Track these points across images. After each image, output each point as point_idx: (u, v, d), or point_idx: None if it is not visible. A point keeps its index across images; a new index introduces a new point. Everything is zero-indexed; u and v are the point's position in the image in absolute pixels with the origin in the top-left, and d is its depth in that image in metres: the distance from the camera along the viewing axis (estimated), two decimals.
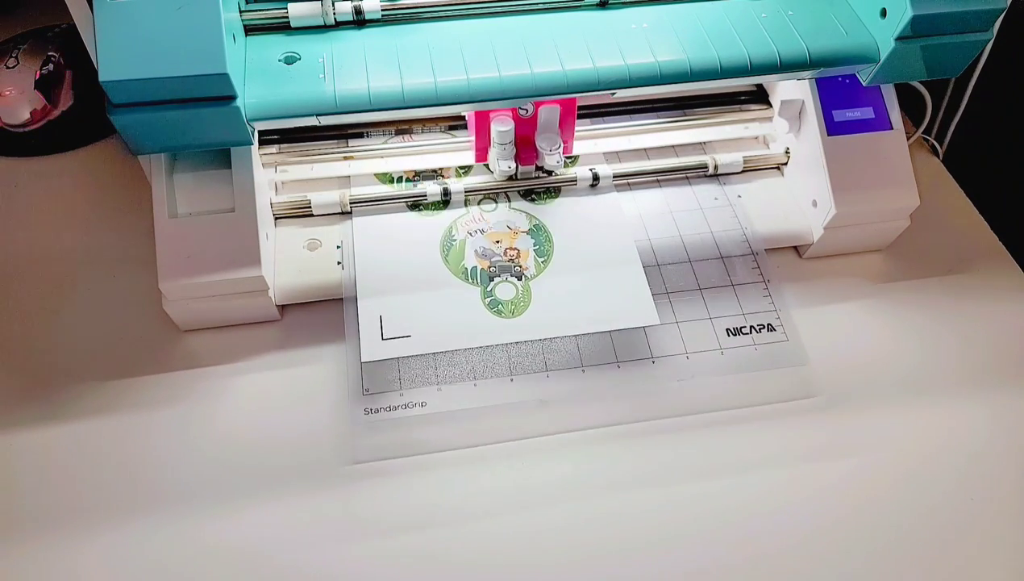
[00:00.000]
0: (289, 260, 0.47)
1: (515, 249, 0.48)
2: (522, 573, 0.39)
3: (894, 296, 0.51)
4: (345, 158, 0.50)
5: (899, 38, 0.41)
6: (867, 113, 0.49)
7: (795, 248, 0.52)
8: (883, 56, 0.42)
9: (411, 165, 0.51)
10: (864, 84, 0.45)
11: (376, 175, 0.51)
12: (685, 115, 0.54)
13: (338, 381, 0.45)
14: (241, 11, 0.41)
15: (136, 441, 0.43)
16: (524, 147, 0.49)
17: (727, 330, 0.47)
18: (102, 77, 0.35)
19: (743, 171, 0.53)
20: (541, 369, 0.45)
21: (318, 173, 0.50)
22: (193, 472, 0.42)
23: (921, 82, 0.54)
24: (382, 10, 0.43)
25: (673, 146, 0.55)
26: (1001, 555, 0.41)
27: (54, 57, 0.57)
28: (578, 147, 0.52)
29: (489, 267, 0.47)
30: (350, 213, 0.49)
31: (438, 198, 0.50)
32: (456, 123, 0.52)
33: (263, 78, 0.40)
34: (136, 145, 0.39)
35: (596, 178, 0.51)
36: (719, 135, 0.54)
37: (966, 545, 0.41)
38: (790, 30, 0.43)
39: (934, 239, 0.53)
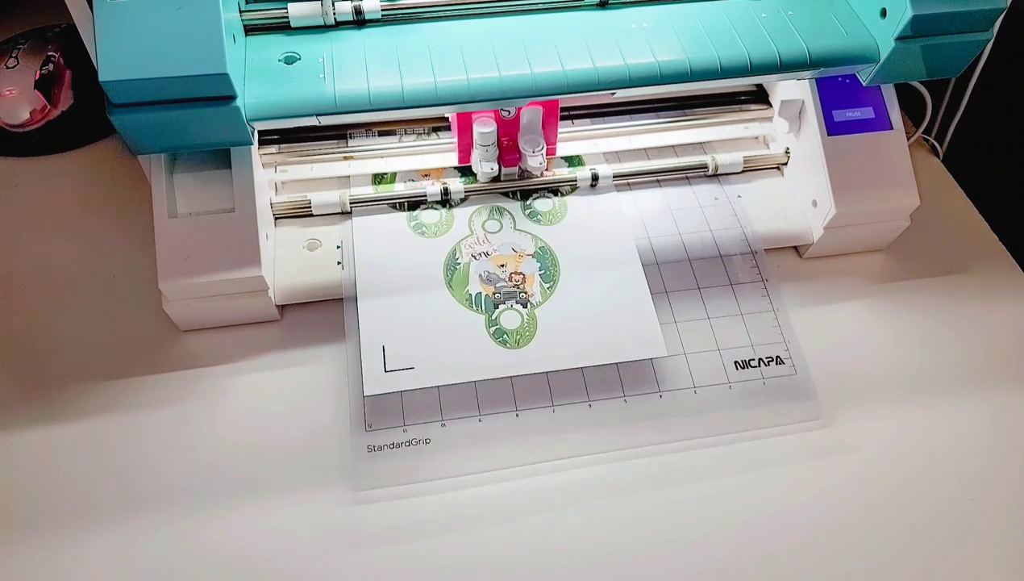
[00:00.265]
0: (289, 260, 0.47)
1: (520, 273, 0.47)
2: (527, 573, 0.39)
3: (894, 296, 0.51)
4: (345, 158, 0.50)
5: (899, 38, 0.41)
6: (867, 113, 0.49)
7: (795, 248, 0.52)
8: (883, 56, 0.42)
9: (407, 165, 0.51)
10: (864, 84, 0.45)
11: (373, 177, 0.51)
12: (685, 115, 0.54)
13: (338, 381, 0.45)
14: (241, 11, 0.41)
15: (135, 441, 0.43)
16: (507, 148, 0.49)
17: (735, 363, 0.46)
18: (102, 77, 0.35)
19: (743, 171, 0.53)
20: (547, 403, 0.43)
21: (318, 173, 0.50)
22: (192, 472, 0.42)
23: (921, 82, 0.54)
24: (382, 10, 0.43)
25: (673, 146, 0.55)
26: (1001, 555, 0.41)
27: (54, 57, 0.57)
28: (578, 147, 0.52)
29: (494, 293, 0.46)
30: (350, 213, 0.49)
31: (438, 198, 0.50)
32: (440, 124, 0.52)
33: (263, 78, 0.40)
34: (136, 145, 0.39)
35: (596, 178, 0.51)
36: (719, 135, 0.54)
37: (966, 545, 0.41)
38: (790, 30, 0.43)
39: (934, 239, 0.53)
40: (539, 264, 0.47)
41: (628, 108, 0.54)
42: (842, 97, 0.49)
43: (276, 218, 0.49)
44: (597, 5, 0.45)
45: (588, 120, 0.53)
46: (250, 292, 0.44)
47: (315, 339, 0.47)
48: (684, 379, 0.45)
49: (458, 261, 0.47)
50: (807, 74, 0.44)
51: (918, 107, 0.56)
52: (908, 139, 0.49)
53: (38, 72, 0.56)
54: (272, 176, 0.49)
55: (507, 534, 0.40)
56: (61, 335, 0.47)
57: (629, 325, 0.45)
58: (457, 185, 0.50)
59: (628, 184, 0.52)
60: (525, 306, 0.45)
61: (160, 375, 0.45)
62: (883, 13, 0.42)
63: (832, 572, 0.40)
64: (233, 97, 0.37)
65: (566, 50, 0.42)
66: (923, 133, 0.58)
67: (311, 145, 0.50)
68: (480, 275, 0.46)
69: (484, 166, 0.49)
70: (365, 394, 0.42)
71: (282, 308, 0.48)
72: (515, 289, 0.46)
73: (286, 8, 0.42)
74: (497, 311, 0.45)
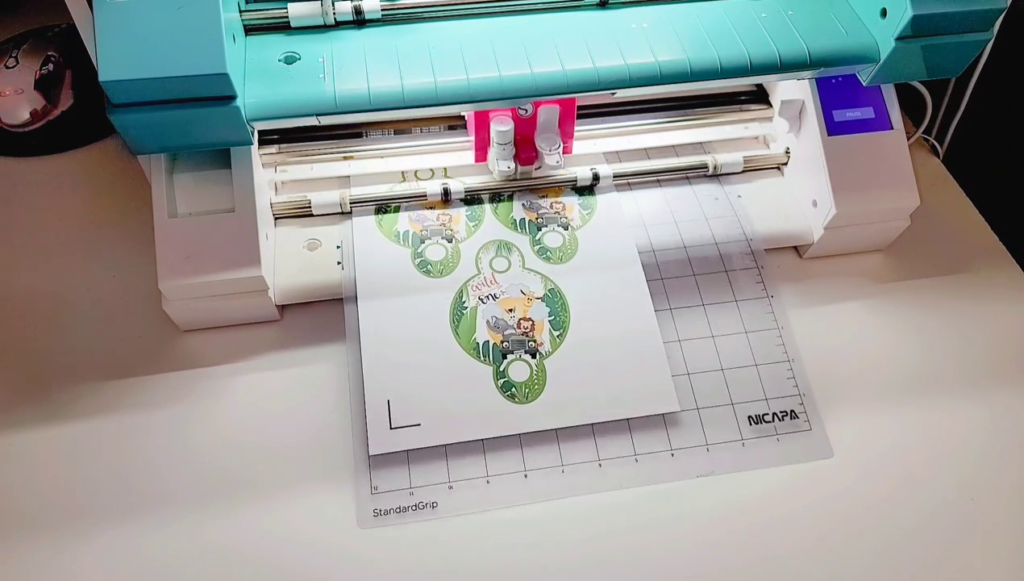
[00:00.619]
0: (289, 260, 0.47)
1: (529, 320, 0.45)
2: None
3: (894, 296, 0.51)
4: (345, 158, 0.50)
5: (899, 38, 0.41)
6: (867, 113, 0.49)
7: (795, 248, 0.52)
8: (883, 56, 0.42)
9: (411, 165, 0.51)
10: (864, 84, 0.45)
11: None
12: (685, 115, 0.54)
13: (338, 381, 0.45)
14: (241, 11, 0.41)
15: (135, 441, 0.43)
16: (524, 147, 0.49)
17: (749, 418, 0.44)
18: (102, 77, 0.35)
19: (743, 171, 0.53)
20: (556, 464, 0.42)
21: (318, 173, 0.50)
22: (192, 472, 0.42)
23: (921, 82, 0.54)
24: (382, 10, 0.43)
25: (673, 146, 0.55)
26: (1002, 556, 0.41)
27: (54, 57, 0.57)
28: (578, 147, 0.52)
29: (502, 342, 0.44)
30: (350, 213, 0.49)
31: (438, 198, 0.50)
32: (456, 123, 0.52)
33: (263, 78, 0.40)
34: (136, 145, 0.39)
35: (596, 178, 0.51)
36: (719, 135, 0.54)
37: (967, 546, 0.41)
38: (790, 30, 0.43)
39: (934, 239, 0.53)
40: (548, 309, 0.46)
41: (628, 108, 0.54)
42: (842, 97, 0.49)
43: (276, 218, 0.49)
44: (597, 5, 0.45)
45: (588, 120, 0.53)
46: (250, 292, 0.44)
47: (315, 339, 0.47)
48: (696, 435, 0.43)
49: (465, 305, 0.45)
50: (807, 74, 0.44)
51: (918, 107, 0.56)
52: (908, 139, 0.49)
53: (38, 72, 0.56)
54: (272, 176, 0.49)
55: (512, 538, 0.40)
56: (61, 335, 0.47)
57: (641, 377, 0.44)
58: (457, 184, 0.50)
59: (628, 184, 0.52)
60: (534, 356, 0.44)
61: (160, 375, 0.45)
62: (883, 13, 0.42)
63: (833, 573, 0.40)
64: (233, 97, 0.37)
65: (566, 50, 0.42)
66: (923, 133, 0.58)
67: (311, 145, 0.50)
68: (488, 321, 0.45)
69: (501, 165, 0.49)
70: (371, 453, 0.41)
71: (282, 308, 0.48)
72: (524, 337, 0.45)
73: (286, 8, 0.42)
74: (505, 362, 0.44)
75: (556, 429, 0.43)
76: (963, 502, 0.42)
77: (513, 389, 0.43)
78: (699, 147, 0.55)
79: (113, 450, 0.42)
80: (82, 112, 0.57)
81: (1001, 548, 0.41)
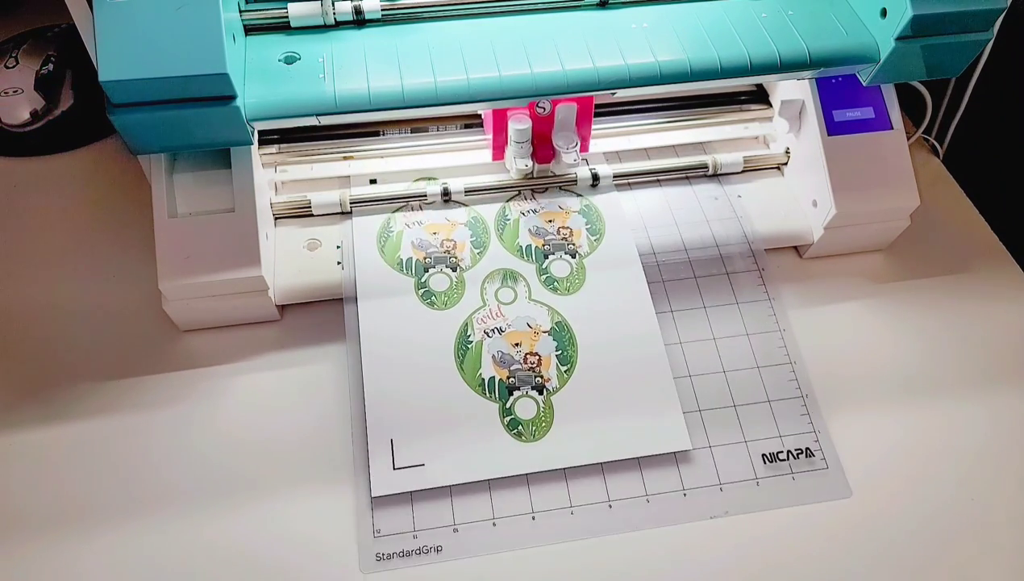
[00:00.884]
0: (289, 260, 0.47)
1: (536, 354, 0.44)
2: None
3: (894, 296, 0.51)
4: (345, 158, 0.50)
5: (899, 38, 0.41)
6: (867, 113, 0.49)
7: (795, 248, 0.52)
8: (883, 56, 0.42)
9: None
10: (864, 84, 0.45)
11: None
12: (685, 115, 0.54)
13: (338, 381, 0.45)
14: (241, 11, 0.41)
15: (135, 441, 0.43)
16: (541, 145, 0.49)
17: (763, 456, 0.43)
18: (102, 77, 0.35)
19: (743, 171, 0.53)
20: (565, 504, 0.41)
21: (318, 173, 0.50)
22: (192, 472, 0.42)
23: (921, 82, 0.54)
24: (382, 10, 0.43)
25: (673, 146, 0.55)
26: (1002, 556, 0.41)
27: (54, 57, 0.57)
28: None
29: (508, 377, 0.43)
30: (350, 213, 0.49)
31: (438, 198, 0.50)
32: (472, 121, 0.52)
33: (263, 78, 0.40)
34: (136, 145, 0.39)
35: (596, 178, 0.51)
36: (719, 135, 0.54)
37: (967, 545, 0.41)
38: (790, 30, 0.43)
39: (934, 239, 0.53)
40: (556, 343, 0.44)
41: (628, 108, 0.54)
42: (842, 97, 0.49)
43: (276, 218, 0.49)
44: (597, 5, 0.45)
45: None
46: (250, 292, 0.44)
47: (315, 339, 0.47)
48: (709, 474, 0.42)
49: (470, 339, 0.44)
50: (807, 74, 0.44)
51: (918, 107, 0.56)
52: (908, 139, 0.49)
53: (38, 72, 0.56)
54: (272, 176, 0.49)
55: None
56: (61, 335, 0.47)
57: (652, 414, 0.43)
58: (458, 184, 0.50)
59: (628, 184, 0.52)
60: (541, 392, 0.43)
61: (160, 375, 0.45)
62: (883, 13, 0.42)
63: (834, 573, 0.40)
64: (233, 97, 0.37)
65: (566, 50, 0.42)
66: (923, 133, 0.58)
67: (311, 145, 0.50)
68: (494, 356, 0.44)
69: (519, 163, 0.48)
70: (373, 495, 0.40)
71: (282, 308, 0.48)
72: (531, 373, 0.43)
73: (286, 8, 0.42)
74: (512, 399, 0.43)
75: (564, 468, 0.42)
76: (963, 501, 0.42)
77: (520, 427, 0.42)
78: (699, 147, 0.55)
79: (113, 450, 0.42)
80: (82, 112, 0.57)
81: (1001, 547, 0.41)
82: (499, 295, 0.46)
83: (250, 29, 0.42)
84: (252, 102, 0.39)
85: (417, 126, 0.51)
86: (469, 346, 0.44)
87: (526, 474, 0.41)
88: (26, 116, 0.56)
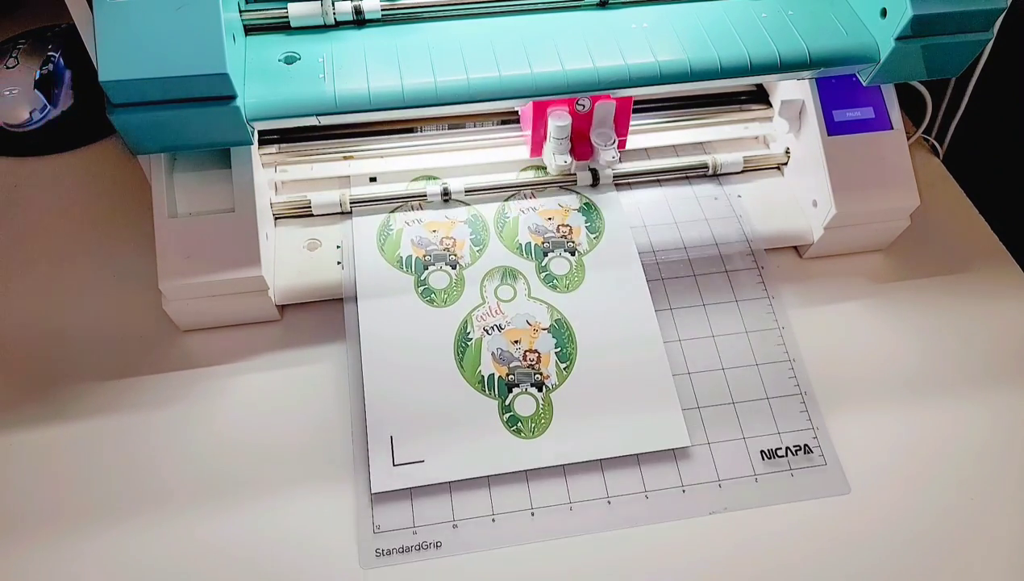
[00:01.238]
0: (289, 260, 0.47)
1: (535, 352, 0.44)
2: None
3: (894, 296, 0.51)
4: (345, 158, 0.50)
5: (899, 38, 0.41)
6: (867, 113, 0.49)
7: (795, 248, 0.52)
8: (883, 56, 0.42)
9: (416, 165, 0.51)
10: (864, 84, 0.45)
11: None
12: (685, 115, 0.54)
13: (338, 381, 0.45)
14: (241, 11, 0.41)
15: (135, 441, 0.43)
16: (580, 142, 0.49)
17: (761, 452, 0.43)
18: (102, 77, 0.35)
19: (743, 171, 0.53)
20: (564, 500, 0.41)
21: (318, 173, 0.50)
22: (192, 472, 0.42)
23: (921, 82, 0.54)
24: (382, 10, 0.43)
25: (673, 146, 0.55)
26: (1002, 555, 0.41)
27: (54, 57, 0.57)
28: None
29: (508, 375, 0.43)
30: (350, 213, 0.49)
31: (438, 198, 0.50)
32: (508, 118, 0.52)
33: (263, 78, 0.40)
34: (136, 145, 0.39)
35: (596, 178, 0.51)
36: (719, 135, 0.54)
37: (967, 545, 0.41)
38: (790, 30, 0.43)
39: (934, 239, 0.53)
40: (555, 340, 0.45)
41: None
42: (842, 97, 0.49)
43: (276, 218, 0.49)
44: (597, 5, 0.45)
45: None
46: (250, 292, 0.44)
47: (315, 339, 0.47)
48: (708, 471, 0.42)
49: (469, 336, 0.44)
50: (807, 74, 0.44)
51: (918, 107, 0.56)
52: (908, 139, 0.49)
53: (38, 72, 0.56)
54: (272, 176, 0.49)
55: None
56: (61, 335, 0.47)
57: (651, 411, 0.43)
58: (458, 184, 0.50)
59: (628, 184, 0.52)
60: (540, 389, 0.43)
61: (160, 375, 0.45)
62: (883, 13, 0.42)
63: (833, 572, 0.40)
64: (233, 97, 0.37)
65: (566, 50, 0.42)
66: (923, 133, 0.58)
67: (311, 145, 0.50)
68: (493, 353, 0.44)
69: (558, 159, 0.49)
70: (373, 491, 0.40)
71: (282, 308, 0.48)
72: (530, 370, 0.43)
73: (286, 8, 0.42)
74: (511, 396, 0.43)
75: (563, 465, 0.42)
76: (963, 501, 0.42)
77: (519, 424, 0.42)
78: (699, 147, 0.55)
79: (113, 450, 0.42)
80: (82, 112, 0.58)
81: (1001, 547, 0.41)
82: (498, 293, 0.46)
83: (250, 29, 0.42)
84: (252, 102, 0.39)
85: (455, 122, 0.51)
86: (469, 343, 0.44)
87: (525, 470, 0.41)
88: (26, 116, 0.56)
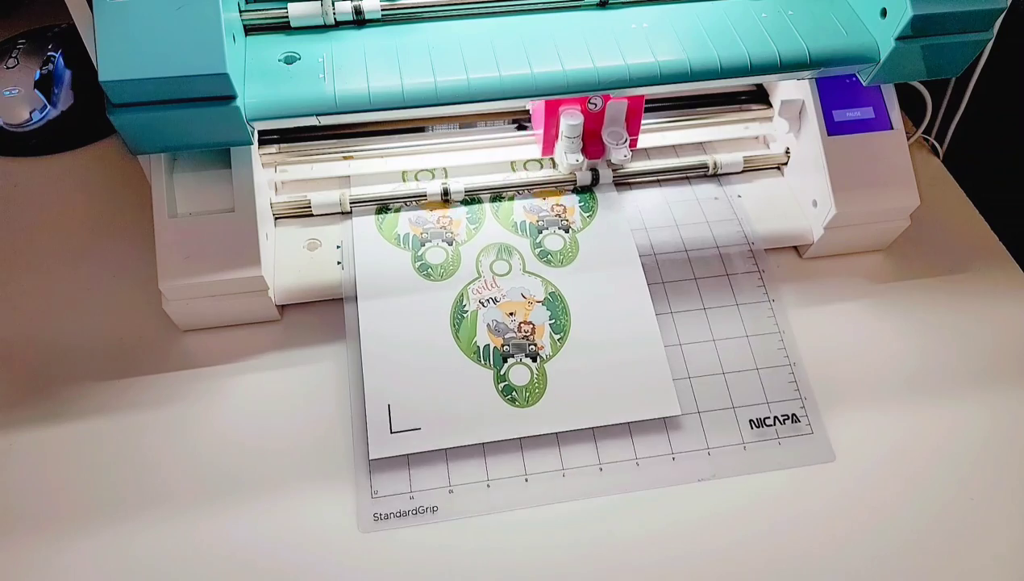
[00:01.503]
0: (289, 260, 0.47)
1: (530, 323, 0.45)
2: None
3: (894, 296, 0.51)
4: (345, 158, 0.50)
5: (899, 38, 0.41)
6: (867, 113, 0.49)
7: (795, 248, 0.52)
8: (883, 56, 0.42)
9: (415, 165, 0.51)
10: (864, 84, 0.45)
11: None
12: (685, 115, 0.54)
13: (338, 381, 0.45)
14: (241, 11, 0.41)
15: (135, 441, 0.43)
16: (591, 141, 0.49)
17: (750, 421, 0.44)
18: (102, 77, 0.35)
19: (743, 171, 0.53)
20: (557, 467, 0.42)
21: (318, 173, 0.50)
22: (192, 472, 0.42)
23: (921, 82, 0.54)
24: (382, 10, 0.43)
25: (673, 146, 0.55)
26: (1001, 555, 0.41)
27: (54, 57, 0.57)
28: None
29: (503, 345, 0.44)
30: (350, 213, 0.49)
31: (438, 198, 0.50)
32: (520, 117, 0.52)
33: (263, 78, 0.40)
34: (136, 145, 0.39)
35: (596, 178, 0.51)
36: (719, 135, 0.54)
37: (966, 545, 0.41)
38: (790, 30, 0.43)
39: (934, 239, 0.53)
40: (549, 312, 0.46)
41: None
42: (842, 97, 0.49)
43: (276, 218, 0.49)
44: (597, 5, 0.45)
45: None
46: (250, 292, 0.44)
47: (315, 339, 0.47)
48: (697, 439, 0.43)
49: (465, 309, 0.45)
50: (807, 74, 0.44)
51: (918, 107, 0.56)
52: (908, 139, 0.49)
53: (38, 72, 0.56)
54: (272, 176, 0.49)
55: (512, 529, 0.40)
56: (61, 335, 0.47)
57: (642, 380, 0.44)
58: (457, 184, 0.50)
59: (628, 184, 0.52)
60: (535, 359, 0.44)
61: (160, 375, 0.45)
62: (883, 13, 0.42)
63: (833, 572, 0.40)
64: (233, 97, 0.37)
65: (566, 50, 0.42)
66: (923, 133, 0.58)
67: (311, 145, 0.50)
68: (488, 325, 0.45)
69: (569, 158, 0.49)
70: (371, 457, 0.41)
71: (282, 308, 0.48)
72: (524, 340, 0.44)
73: (286, 8, 0.42)
74: (506, 366, 0.44)
75: (557, 433, 0.43)
76: (963, 501, 0.42)
77: (514, 393, 0.43)
78: (699, 147, 0.55)
79: (113, 450, 0.42)
80: (82, 112, 0.57)
81: (1000, 547, 0.41)
82: (494, 267, 0.47)
83: (250, 29, 0.42)
84: (252, 102, 0.39)
85: (465, 121, 0.52)
86: (464, 315, 0.45)
87: (519, 438, 0.42)
88: (26, 116, 0.56)
